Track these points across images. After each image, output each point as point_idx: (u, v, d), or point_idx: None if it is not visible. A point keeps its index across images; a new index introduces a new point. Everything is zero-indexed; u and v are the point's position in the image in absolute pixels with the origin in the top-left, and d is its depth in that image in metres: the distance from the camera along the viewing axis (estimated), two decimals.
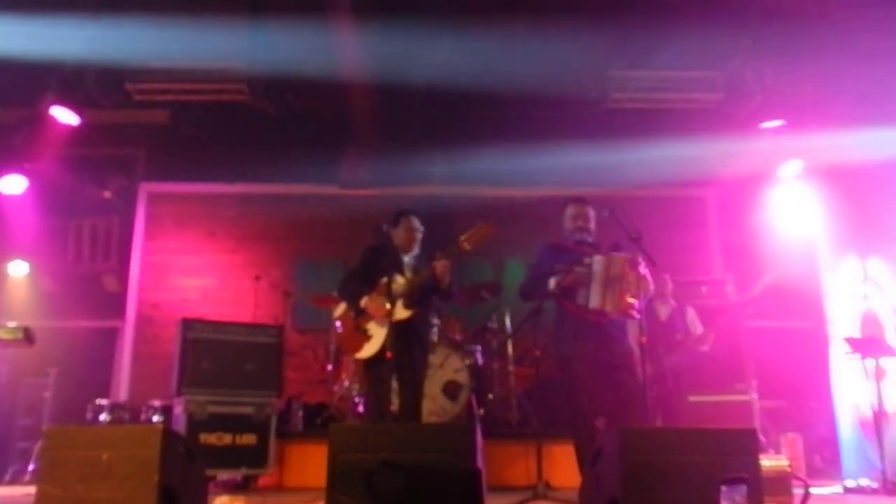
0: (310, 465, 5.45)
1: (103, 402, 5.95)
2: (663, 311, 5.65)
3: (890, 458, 5.20)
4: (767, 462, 3.69)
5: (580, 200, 4.59)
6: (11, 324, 5.31)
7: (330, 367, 6.47)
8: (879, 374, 5.40)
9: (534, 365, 5.31)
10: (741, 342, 5.89)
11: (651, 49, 6.37)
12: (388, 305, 4.28)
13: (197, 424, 5.11)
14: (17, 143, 6.50)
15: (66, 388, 6.47)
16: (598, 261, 4.18)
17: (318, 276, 7.47)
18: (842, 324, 6.11)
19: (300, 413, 6.06)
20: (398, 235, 4.59)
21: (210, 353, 5.31)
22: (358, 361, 4.97)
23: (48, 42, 5.80)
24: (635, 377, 4.21)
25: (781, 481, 3.81)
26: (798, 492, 3.78)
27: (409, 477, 2.80)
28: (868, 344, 5.61)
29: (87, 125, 6.66)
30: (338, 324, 4.73)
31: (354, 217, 7.48)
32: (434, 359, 5.63)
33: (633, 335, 4.49)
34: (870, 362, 5.47)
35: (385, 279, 4.32)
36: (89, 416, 5.80)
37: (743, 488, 2.61)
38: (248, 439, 5.25)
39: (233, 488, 5.30)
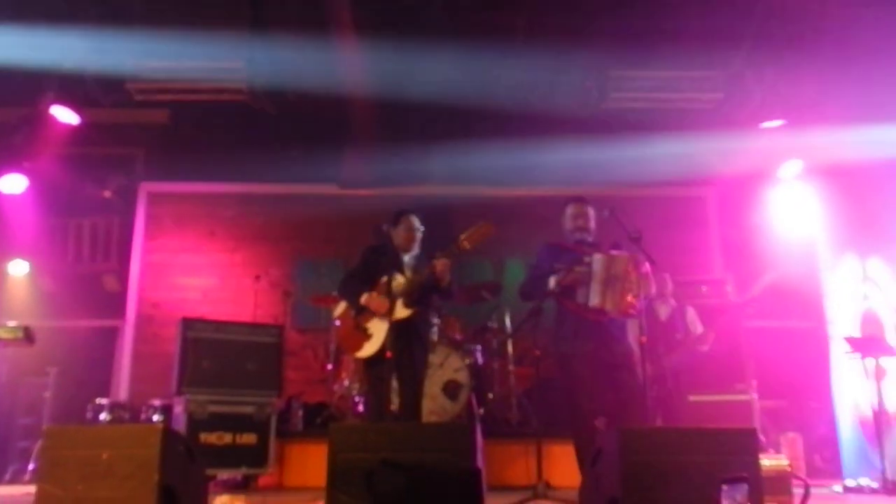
0: (310, 464, 5.45)
1: (103, 401, 5.96)
2: (663, 311, 5.65)
3: (890, 457, 5.21)
4: (767, 462, 3.69)
5: (580, 200, 4.59)
6: (11, 323, 5.32)
7: (330, 367, 6.47)
8: (879, 374, 5.40)
9: (534, 364, 5.29)
10: (741, 342, 5.89)
11: (651, 49, 6.37)
12: (388, 304, 4.28)
13: (197, 424, 5.11)
14: (17, 143, 6.50)
15: (67, 388, 6.47)
16: (597, 259, 4.18)
17: (317, 276, 7.47)
18: (842, 323, 6.12)
19: (300, 412, 6.06)
20: (398, 235, 4.59)
21: (210, 352, 5.31)
22: (358, 361, 4.98)
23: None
24: (635, 377, 4.22)
25: (781, 481, 3.82)
26: (798, 491, 3.78)
27: (409, 476, 2.80)
28: (868, 343, 5.61)
29: (87, 124, 6.66)
30: (337, 323, 4.72)
31: (354, 217, 7.48)
32: (434, 358, 5.63)
33: (633, 335, 4.49)
34: (870, 362, 5.47)
35: (385, 278, 4.32)
36: (89, 415, 5.81)
37: (744, 487, 2.61)
38: (249, 439, 5.25)
39: (233, 488, 5.30)
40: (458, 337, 6.25)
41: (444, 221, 6.50)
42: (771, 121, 6.46)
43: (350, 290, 4.57)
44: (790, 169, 6.71)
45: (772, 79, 6.37)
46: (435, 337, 5.87)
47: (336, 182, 7.74)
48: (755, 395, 5.71)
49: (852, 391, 5.94)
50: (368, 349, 4.40)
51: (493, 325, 6.43)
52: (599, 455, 3.17)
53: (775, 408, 6.39)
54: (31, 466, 5.81)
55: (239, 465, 5.24)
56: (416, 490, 2.80)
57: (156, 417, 5.70)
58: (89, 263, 7.70)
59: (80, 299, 7.43)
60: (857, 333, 5.92)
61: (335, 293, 4.95)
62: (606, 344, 4.24)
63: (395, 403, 4.50)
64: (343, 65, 6.24)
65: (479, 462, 2.91)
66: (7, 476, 6.09)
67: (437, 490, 2.80)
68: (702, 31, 6.05)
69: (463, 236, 4.21)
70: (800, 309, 6.84)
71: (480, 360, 6.23)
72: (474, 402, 5.82)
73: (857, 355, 5.56)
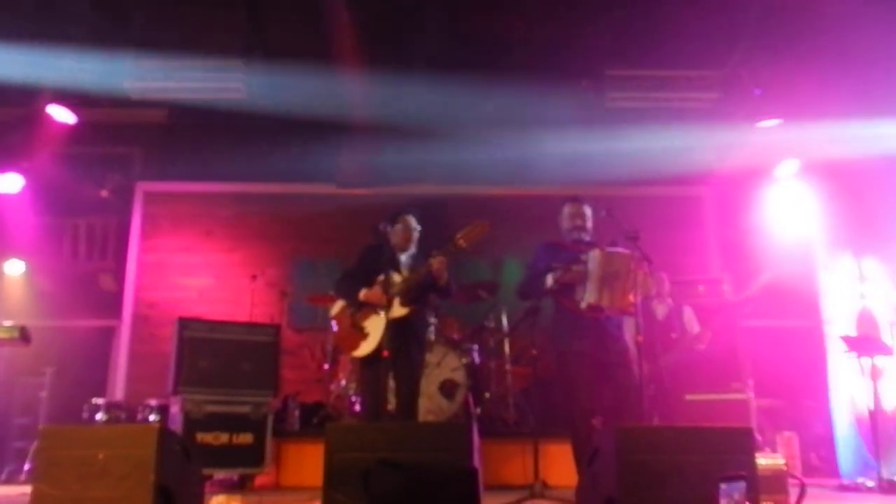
0: (306, 464, 5.45)
1: (100, 401, 5.95)
2: (660, 311, 5.65)
3: (886, 456, 5.22)
4: (764, 460, 3.69)
5: (577, 200, 4.59)
6: (8, 323, 5.29)
7: (327, 366, 6.47)
8: (875, 373, 5.42)
9: (531, 364, 5.31)
10: (738, 341, 5.90)
11: (648, 48, 6.38)
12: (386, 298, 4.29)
13: (193, 423, 5.10)
14: (13, 142, 6.49)
15: (63, 388, 6.46)
16: (593, 257, 4.18)
17: (315, 275, 7.46)
18: (838, 322, 6.13)
19: (297, 412, 6.05)
20: (395, 234, 4.59)
21: (207, 352, 5.30)
22: (355, 360, 4.97)
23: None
24: (632, 375, 4.22)
25: (778, 480, 3.82)
26: (794, 490, 3.78)
27: (406, 476, 2.80)
28: (864, 342, 5.63)
29: (84, 124, 6.65)
30: (333, 322, 4.72)
31: (351, 216, 7.48)
32: (431, 357, 5.63)
33: (629, 334, 4.49)
34: (866, 361, 5.49)
35: (382, 277, 4.32)
36: (85, 415, 5.80)
37: (742, 485, 2.61)
38: (245, 438, 5.24)
39: (229, 487, 5.29)
40: (455, 336, 6.25)
41: (441, 221, 6.51)
42: (767, 120, 6.47)
43: (347, 288, 4.57)
44: (787, 168, 6.72)
45: (768, 78, 6.38)
46: (432, 336, 5.87)
47: (333, 181, 7.73)
48: (751, 394, 5.73)
49: (848, 390, 5.96)
50: (365, 348, 4.40)
51: (491, 324, 6.42)
52: (596, 454, 3.17)
53: (772, 407, 6.40)
54: (27, 466, 5.80)
55: (235, 464, 5.24)
56: (412, 490, 2.79)
57: (152, 417, 5.69)
58: (86, 263, 7.69)
59: (76, 299, 7.42)
60: (853, 332, 5.93)
61: (332, 292, 4.94)
62: (603, 342, 4.25)
63: (391, 403, 4.50)
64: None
65: (476, 461, 2.91)
66: (3, 476, 6.08)
67: (433, 490, 2.80)
68: (698, 31, 6.06)
69: (459, 235, 4.21)
70: (796, 308, 6.86)
71: (477, 359, 6.23)
72: (471, 401, 5.82)
73: (854, 354, 5.57)
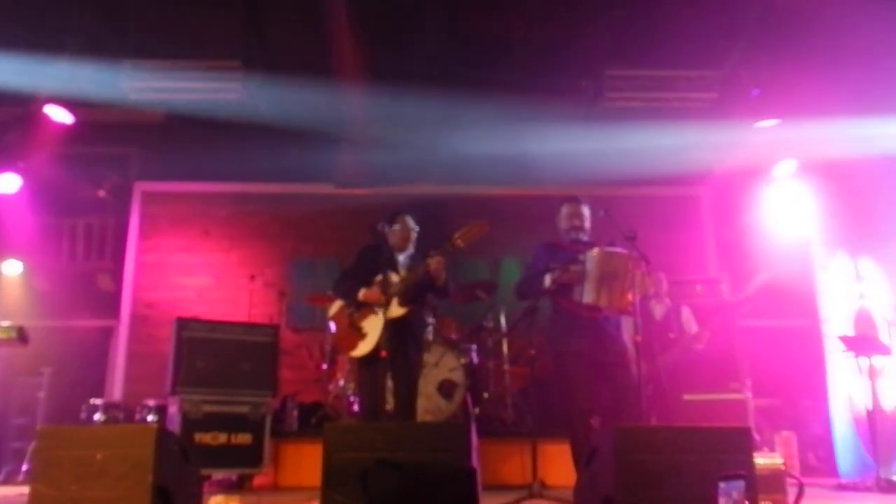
0: (305, 464, 5.44)
1: (98, 401, 5.94)
2: (658, 311, 5.65)
3: (884, 455, 5.22)
4: (762, 460, 3.69)
5: (575, 200, 4.59)
6: (5, 323, 5.28)
7: (325, 366, 6.47)
8: (873, 372, 5.42)
9: (529, 364, 5.31)
10: (736, 341, 5.91)
11: (646, 48, 6.38)
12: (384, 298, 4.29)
13: (192, 424, 5.10)
14: (10, 142, 6.47)
15: (61, 388, 6.45)
16: (591, 256, 4.18)
17: (313, 275, 7.47)
18: (836, 322, 6.13)
19: (295, 412, 6.05)
20: (394, 234, 4.59)
21: (205, 352, 5.30)
22: (353, 360, 4.97)
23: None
24: (630, 375, 4.22)
25: (776, 479, 3.82)
26: (792, 490, 3.78)
27: (404, 476, 2.80)
28: (862, 342, 5.63)
29: (82, 123, 6.64)
30: (331, 323, 4.72)
31: (350, 216, 7.48)
32: (429, 357, 5.63)
33: (628, 334, 4.50)
34: (863, 360, 5.49)
35: (380, 277, 4.33)
36: (83, 415, 5.79)
37: (741, 484, 2.60)
38: (243, 439, 5.24)
39: (228, 488, 5.29)
40: (453, 336, 6.25)
41: (440, 221, 6.52)
42: (766, 120, 6.47)
43: (346, 288, 4.57)
44: (784, 168, 6.73)
45: (767, 78, 6.38)
46: (430, 336, 5.87)
47: (332, 181, 7.72)
48: (749, 394, 5.73)
49: (846, 390, 5.96)
50: (363, 348, 4.40)
51: (489, 324, 6.42)
52: (594, 454, 3.17)
53: (770, 406, 6.41)
54: (25, 467, 5.78)
55: (234, 465, 5.24)
56: (410, 490, 2.79)
57: (150, 417, 5.68)
58: (84, 263, 7.68)
59: (74, 299, 7.41)
60: (851, 332, 5.94)
61: (330, 292, 4.95)
62: (601, 342, 4.25)
63: (390, 403, 4.50)
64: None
65: (475, 461, 2.91)
66: (1, 477, 6.07)
67: (432, 490, 2.80)
68: (698, 31, 6.06)
69: (457, 235, 4.21)
70: (794, 308, 6.86)
71: (476, 359, 6.23)
72: (469, 401, 5.82)
73: (851, 354, 5.58)
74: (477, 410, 5.95)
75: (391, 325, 4.24)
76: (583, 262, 4.19)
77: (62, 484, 2.93)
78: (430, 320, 5.90)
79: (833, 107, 5.81)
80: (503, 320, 6.45)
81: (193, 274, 7.70)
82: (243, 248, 7.77)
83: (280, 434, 5.67)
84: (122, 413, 5.96)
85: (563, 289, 4.25)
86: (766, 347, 6.58)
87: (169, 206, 7.88)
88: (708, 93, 6.77)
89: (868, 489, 5.04)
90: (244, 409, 5.28)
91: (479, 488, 2.89)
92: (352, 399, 5.89)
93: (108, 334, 7.57)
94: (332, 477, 2.89)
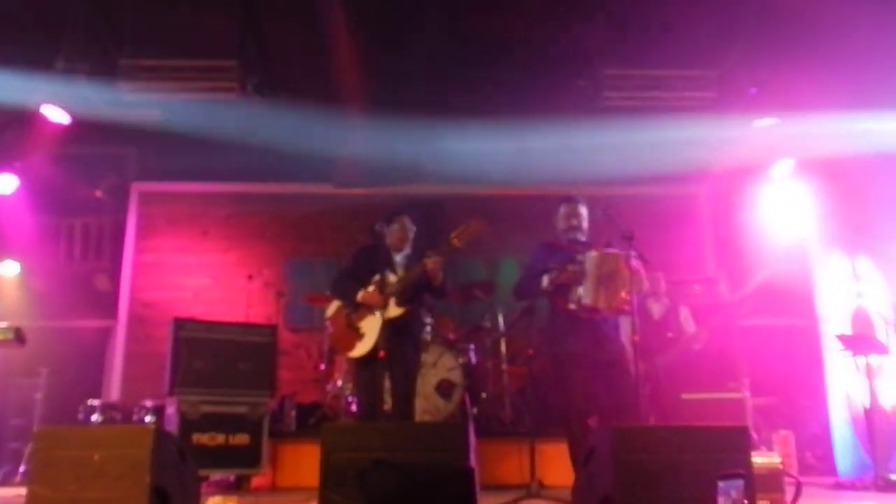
0: (303, 464, 5.43)
1: (95, 402, 5.94)
2: (656, 310, 5.66)
3: (882, 454, 5.23)
4: (760, 459, 3.70)
5: (573, 199, 4.59)
6: (2, 324, 5.27)
7: (323, 367, 6.46)
8: (871, 371, 5.43)
9: (527, 364, 5.31)
10: (734, 340, 5.91)
11: (644, 47, 6.38)
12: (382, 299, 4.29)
13: (189, 424, 5.09)
14: (7, 142, 6.46)
15: (58, 389, 6.43)
16: (590, 258, 4.19)
17: (311, 275, 7.46)
18: (834, 321, 6.14)
19: (293, 413, 6.05)
20: (391, 234, 4.59)
21: (203, 352, 5.29)
22: (351, 360, 4.97)
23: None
24: (628, 375, 4.22)
25: (773, 478, 3.82)
26: (790, 489, 3.79)
27: (402, 476, 2.80)
28: (859, 341, 5.64)
29: (78, 123, 6.62)
30: (329, 324, 4.72)
31: (348, 216, 7.48)
32: (427, 357, 5.63)
33: (626, 333, 4.50)
34: (861, 359, 5.50)
35: (377, 277, 4.33)
36: (81, 416, 5.78)
37: (740, 483, 2.60)
38: (241, 439, 5.23)
39: (225, 488, 5.29)
40: (451, 336, 6.25)
41: (437, 221, 6.51)
42: (764, 119, 6.48)
43: (343, 288, 4.57)
44: (782, 167, 6.73)
45: (765, 77, 6.39)
46: (428, 336, 5.87)
47: (330, 181, 7.72)
48: (747, 393, 5.73)
49: (844, 389, 5.97)
50: (361, 349, 4.39)
51: (487, 324, 6.42)
52: (592, 454, 3.17)
53: (767, 405, 6.41)
54: (22, 468, 5.77)
55: (231, 465, 5.23)
56: (409, 490, 2.79)
57: (148, 418, 5.67)
58: (81, 263, 7.66)
59: (71, 299, 7.39)
60: (848, 331, 5.94)
61: (328, 292, 4.94)
62: (599, 342, 4.25)
63: (387, 403, 4.49)
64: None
65: (473, 461, 2.91)
66: None
67: (430, 490, 2.80)
68: (695, 30, 6.06)
69: (453, 234, 4.21)
70: (792, 307, 6.87)
71: (474, 359, 6.23)
72: (468, 401, 5.82)
73: (849, 353, 5.58)
74: (475, 410, 5.95)
75: (389, 326, 4.24)
76: (581, 263, 4.19)
77: (60, 485, 2.93)
78: (428, 320, 5.90)
79: (831, 105, 5.82)
80: (501, 320, 6.45)
81: (191, 274, 7.68)
82: (241, 248, 7.76)
83: (278, 434, 5.66)
84: (120, 414, 5.96)
85: (561, 289, 4.25)
86: (764, 346, 6.59)
87: (166, 207, 7.86)
88: (706, 92, 6.77)
89: (866, 488, 5.04)
90: (242, 410, 5.27)
91: (478, 488, 2.89)
92: (350, 399, 5.88)
93: (105, 335, 7.56)
94: (330, 477, 2.89)
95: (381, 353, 4.15)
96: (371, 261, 4.46)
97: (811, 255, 6.46)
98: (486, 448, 5.19)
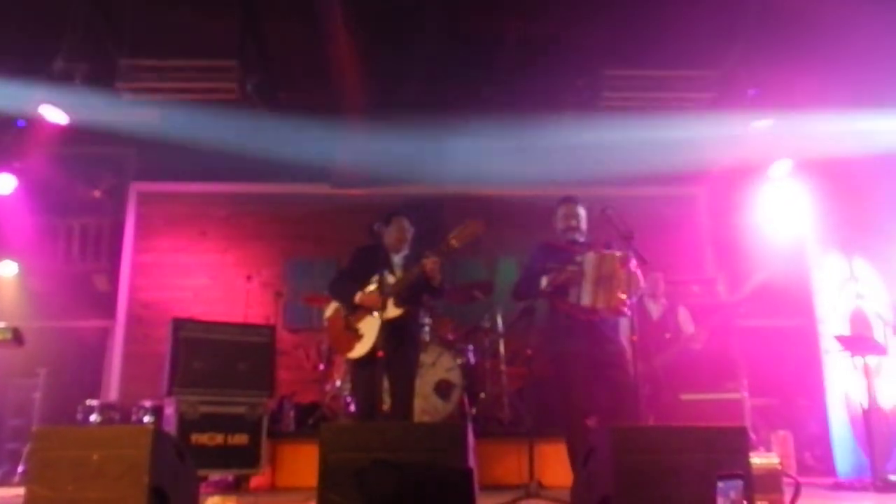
0: (302, 464, 5.43)
1: (93, 402, 5.93)
2: (655, 310, 5.66)
3: (880, 454, 5.23)
4: (758, 460, 3.69)
5: (572, 200, 4.59)
6: (1, 324, 5.27)
7: (322, 367, 6.46)
8: (869, 372, 5.43)
9: (526, 364, 5.31)
10: (732, 341, 5.92)
11: (644, 48, 6.39)
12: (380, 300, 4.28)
13: (188, 424, 5.08)
14: (5, 142, 6.45)
15: (56, 389, 6.43)
16: (589, 259, 4.19)
17: (310, 276, 7.46)
18: (832, 322, 6.15)
19: (292, 413, 6.05)
20: (389, 235, 4.59)
21: (201, 352, 5.28)
22: (349, 361, 4.97)
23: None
24: (627, 376, 4.21)
25: (772, 479, 3.82)
26: (789, 489, 3.79)
27: (401, 476, 2.80)
28: (857, 342, 5.64)
29: (77, 123, 6.62)
30: (327, 325, 4.72)
31: (346, 216, 7.47)
32: (426, 358, 5.63)
33: (624, 334, 4.50)
34: (859, 360, 5.50)
35: (376, 277, 4.33)
36: (79, 416, 5.77)
37: (739, 484, 2.61)
38: (240, 439, 5.22)
39: (224, 489, 5.28)
40: (450, 336, 6.25)
41: (435, 221, 6.51)
42: (763, 120, 6.48)
43: (341, 289, 4.57)
44: (781, 168, 6.74)
45: (764, 77, 6.40)
46: (427, 336, 5.87)
47: (328, 181, 7.72)
48: (746, 394, 5.73)
49: (843, 389, 5.97)
50: (360, 349, 4.39)
51: (486, 324, 6.42)
52: (591, 454, 3.17)
53: (766, 406, 6.41)
54: (20, 468, 5.77)
55: (230, 465, 5.22)
56: (407, 490, 2.79)
57: (146, 418, 5.67)
58: (80, 263, 7.66)
59: (70, 300, 7.39)
60: (846, 332, 5.95)
61: (326, 293, 4.94)
62: (598, 343, 4.25)
63: (386, 403, 4.49)
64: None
65: (471, 462, 2.91)
66: None
67: (428, 490, 2.80)
68: (695, 30, 6.07)
69: (451, 235, 4.21)
70: (790, 307, 6.87)
71: (472, 359, 6.24)
72: (466, 401, 5.83)
73: (847, 353, 5.59)
74: (474, 411, 5.95)
75: (387, 326, 4.23)
76: (579, 264, 4.19)
77: (58, 485, 2.92)
78: (427, 320, 5.91)
79: (829, 105, 5.83)
80: (500, 320, 6.45)
81: (190, 274, 7.68)
82: (240, 248, 7.76)
83: (277, 434, 5.66)
84: (119, 414, 5.95)
85: (560, 290, 4.25)
86: (762, 347, 6.59)
87: (165, 207, 7.86)
88: (705, 92, 6.78)
89: (864, 488, 5.05)
90: (241, 410, 5.27)
91: (476, 488, 2.89)
92: (348, 399, 5.88)
93: (104, 335, 7.56)
94: (329, 477, 2.88)
95: (380, 354, 4.14)
96: (369, 261, 4.45)
97: (810, 256, 6.46)
98: (485, 448, 5.19)
